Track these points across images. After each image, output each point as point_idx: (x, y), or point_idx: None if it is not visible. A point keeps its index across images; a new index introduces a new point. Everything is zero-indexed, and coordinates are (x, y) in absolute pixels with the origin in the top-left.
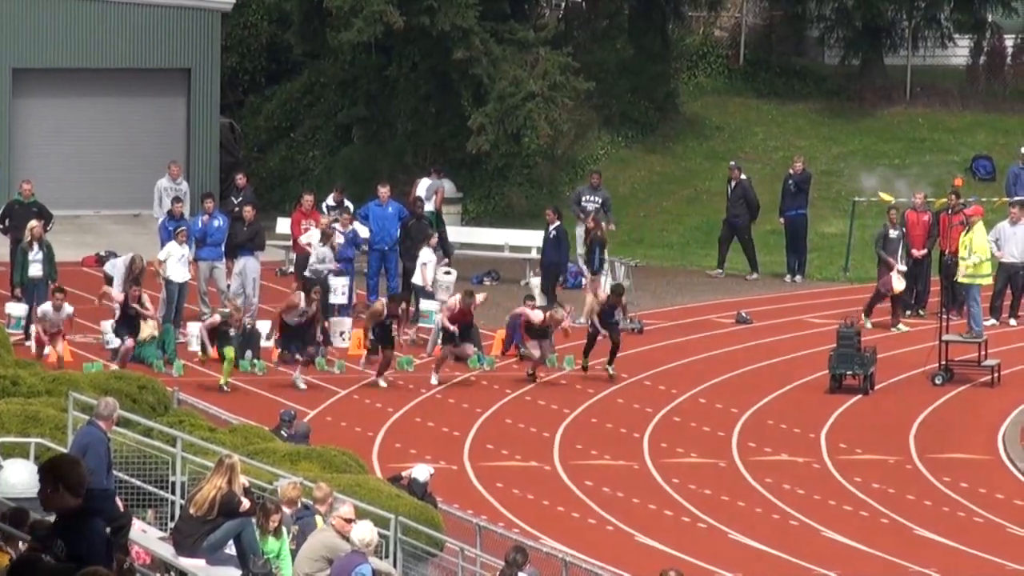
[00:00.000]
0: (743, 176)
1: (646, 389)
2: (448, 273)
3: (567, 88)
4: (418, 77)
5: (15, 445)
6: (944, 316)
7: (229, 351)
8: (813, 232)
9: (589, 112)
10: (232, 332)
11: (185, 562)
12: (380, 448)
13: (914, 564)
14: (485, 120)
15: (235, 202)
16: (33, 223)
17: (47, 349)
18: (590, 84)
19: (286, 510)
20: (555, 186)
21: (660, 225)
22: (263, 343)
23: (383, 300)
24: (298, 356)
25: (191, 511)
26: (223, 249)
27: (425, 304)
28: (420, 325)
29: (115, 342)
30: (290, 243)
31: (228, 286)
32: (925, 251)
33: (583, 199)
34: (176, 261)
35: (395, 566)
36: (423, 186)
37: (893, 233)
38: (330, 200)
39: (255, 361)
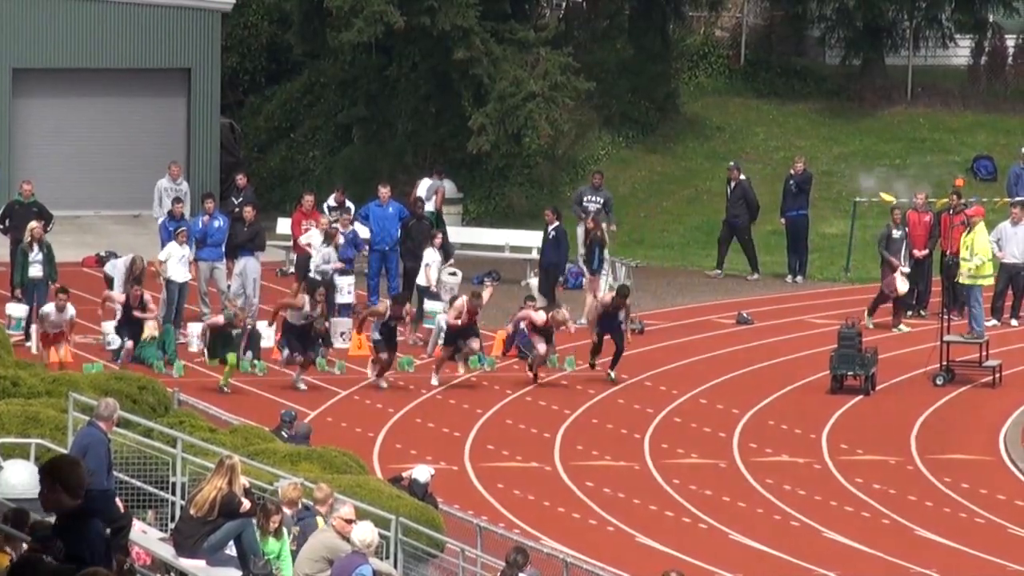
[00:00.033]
0: (742, 176)
1: (647, 390)
2: (453, 275)
3: (567, 88)
4: (418, 77)
5: (15, 446)
6: (945, 317)
7: (231, 357)
8: (814, 232)
9: (589, 112)
10: (235, 332)
11: (185, 563)
12: (381, 449)
13: (915, 565)
14: (485, 120)
15: (235, 202)
16: (33, 224)
17: (50, 353)
18: (590, 84)
19: (287, 511)
20: (555, 186)
21: (660, 225)
22: (263, 343)
23: (386, 302)
24: (298, 357)
25: (191, 512)
26: (223, 249)
27: (429, 305)
28: (423, 326)
29: (116, 342)
30: (290, 243)
31: (228, 286)
32: (926, 251)
33: (585, 199)
34: (176, 261)
35: (396, 567)
36: (424, 186)
37: (896, 233)
38: (331, 201)
39: (255, 362)
